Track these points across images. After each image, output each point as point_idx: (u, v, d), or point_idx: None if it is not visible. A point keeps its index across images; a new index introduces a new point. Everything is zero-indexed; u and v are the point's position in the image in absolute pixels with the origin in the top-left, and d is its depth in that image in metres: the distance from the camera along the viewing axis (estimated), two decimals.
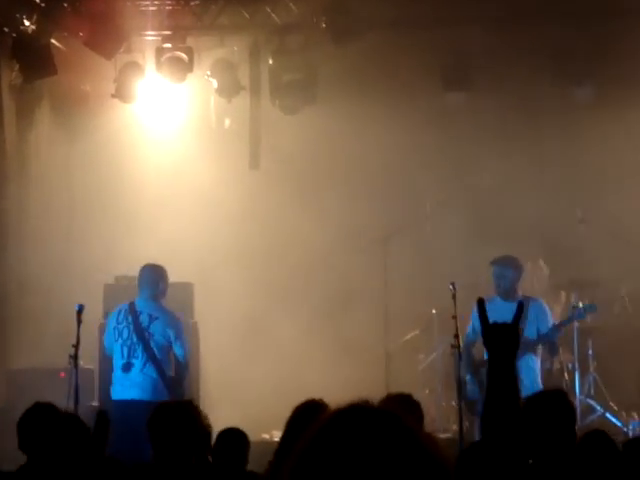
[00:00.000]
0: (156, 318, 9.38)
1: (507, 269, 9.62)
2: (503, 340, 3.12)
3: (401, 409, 2.19)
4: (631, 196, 12.47)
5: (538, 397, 5.00)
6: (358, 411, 2.12)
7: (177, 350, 9.39)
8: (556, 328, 9.55)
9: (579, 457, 4.78)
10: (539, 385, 9.47)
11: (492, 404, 3.10)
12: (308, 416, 5.40)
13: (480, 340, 3.33)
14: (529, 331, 9.26)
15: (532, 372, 9.43)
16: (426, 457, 2.06)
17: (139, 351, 9.26)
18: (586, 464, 4.70)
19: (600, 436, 5.03)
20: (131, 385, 9.23)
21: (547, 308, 9.79)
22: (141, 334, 9.29)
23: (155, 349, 9.27)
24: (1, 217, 11.35)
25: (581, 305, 9.99)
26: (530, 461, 4.66)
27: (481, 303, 3.30)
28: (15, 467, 5.83)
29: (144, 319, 9.37)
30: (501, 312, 8.76)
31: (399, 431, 2.08)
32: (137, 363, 9.25)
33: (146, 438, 5.50)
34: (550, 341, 9.58)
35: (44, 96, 12.66)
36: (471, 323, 9.43)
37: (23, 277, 11.84)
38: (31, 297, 11.70)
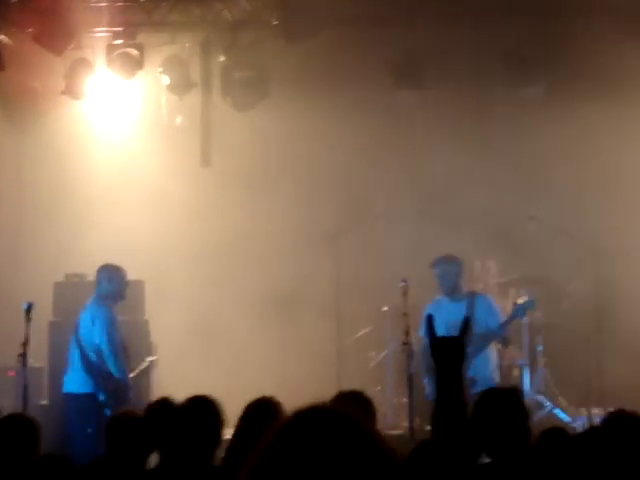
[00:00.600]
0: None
1: (447, 266, 9.69)
2: (450, 353, 3.28)
3: (353, 406, 2.24)
4: (581, 193, 12.59)
5: (490, 394, 5.03)
6: (317, 413, 2.16)
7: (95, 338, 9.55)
8: (501, 326, 9.63)
9: (536, 455, 4.82)
10: (494, 380, 9.53)
11: (441, 413, 3.26)
12: (260, 413, 5.40)
13: None
14: (478, 327, 9.29)
15: (486, 367, 9.47)
16: (382, 459, 2.12)
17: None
18: (544, 462, 4.73)
19: (558, 433, 5.07)
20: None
21: (493, 302, 9.87)
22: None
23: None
24: None
25: (520, 302, 10.00)
26: (486, 460, 4.69)
27: (429, 319, 3.43)
28: None
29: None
30: (449, 312, 8.80)
31: (356, 434, 2.13)
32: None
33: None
34: (499, 336, 9.69)
35: None
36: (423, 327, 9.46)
37: None
38: None
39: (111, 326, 9.52)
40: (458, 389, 3.24)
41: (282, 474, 2.08)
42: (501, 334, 9.65)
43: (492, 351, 9.70)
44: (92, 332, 9.46)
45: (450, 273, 9.65)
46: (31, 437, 5.92)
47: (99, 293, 9.69)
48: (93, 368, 9.41)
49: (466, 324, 3.43)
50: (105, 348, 9.43)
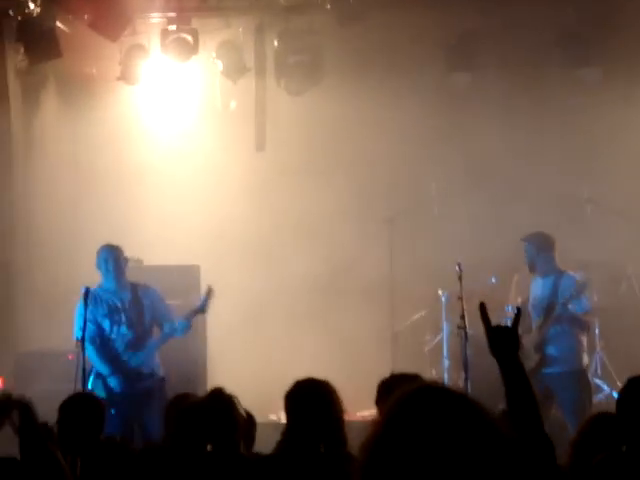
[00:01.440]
0: None
1: (526, 245, 9.63)
2: (504, 342, 3.30)
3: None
4: (638, 175, 12.45)
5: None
6: (429, 391, 2.25)
7: None
8: (562, 305, 9.36)
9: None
10: (576, 362, 9.34)
11: (513, 406, 3.24)
12: (312, 397, 5.42)
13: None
14: (560, 306, 9.25)
15: (565, 347, 9.30)
16: (494, 431, 2.21)
17: None
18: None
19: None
20: None
21: (576, 283, 9.54)
22: None
23: None
24: (8, 199, 11.34)
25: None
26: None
27: (483, 308, 3.43)
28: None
29: None
30: (534, 289, 8.81)
31: (469, 409, 2.23)
32: None
33: None
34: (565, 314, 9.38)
35: (49, 79, 12.66)
36: None
37: (31, 260, 11.85)
38: (39, 281, 11.73)
39: (79, 322, 8.83)
40: (522, 375, 3.25)
41: (403, 452, 2.15)
42: (561, 312, 9.38)
43: (576, 332, 9.43)
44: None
45: (527, 252, 9.62)
46: (98, 416, 6.01)
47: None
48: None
49: (518, 314, 3.47)
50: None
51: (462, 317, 8.95)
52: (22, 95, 12.11)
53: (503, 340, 3.29)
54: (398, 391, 2.27)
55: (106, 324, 9.07)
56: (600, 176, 12.47)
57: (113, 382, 8.92)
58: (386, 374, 6.14)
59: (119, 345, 9.06)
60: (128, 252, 11.59)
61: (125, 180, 12.97)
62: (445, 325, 11.87)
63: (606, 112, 12.32)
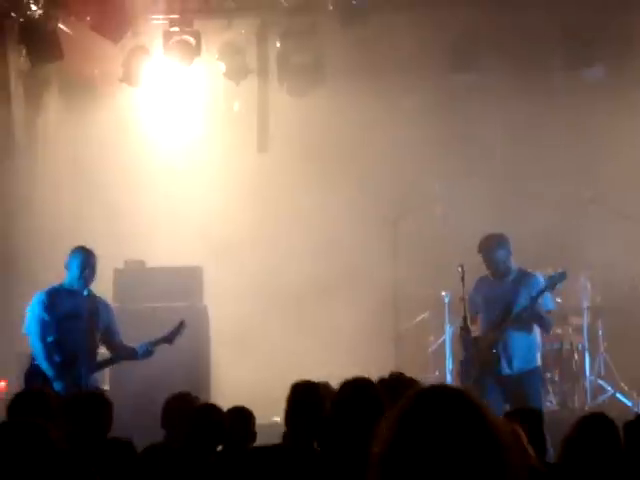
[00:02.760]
0: None
1: (499, 252, 9.36)
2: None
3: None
4: None
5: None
6: (437, 392, 2.39)
7: None
8: (532, 299, 9.21)
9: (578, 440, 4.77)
10: (533, 361, 9.23)
11: None
12: (308, 397, 5.41)
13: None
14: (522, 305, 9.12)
15: (523, 347, 9.16)
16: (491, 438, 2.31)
17: None
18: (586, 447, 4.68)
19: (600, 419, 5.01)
20: None
21: (540, 282, 9.42)
22: None
23: None
24: (9, 201, 11.34)
25: (551, 273, 9.60)
26: None
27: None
28: None
29: None
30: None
31: (470, 409, 2.35)
32: None
33: None
34: (532, 314, 9.24)
35: (52, 80, 12.67)
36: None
37: (33, 262, 11.83)
38: (42, 283, 11.69)
39: (32, 316, 8.77)
40: None
41: (416, 449, 2.28)
42: (530, 309, 9.17)
43: (534, 331, 9.29)
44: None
45: (499, 257, 9.37)
46: (105, 414, 6.01)
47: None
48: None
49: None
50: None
51: (464, 318, 8.94)
52: (24, 97, 12.12)
53: None
54: (411, 390, 2.40)
55: (64, 327, 8.73)
56: (604, 176, 12.45)
57: (58, 386, 8.52)
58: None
59: (70, 350, 8.68)
60: (130, 253, 11.64)
61: (127, 181, 12.96)
62: (448, 327, 11.87)
63: (609, 111, 12.30)
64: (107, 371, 11.20)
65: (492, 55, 12.26)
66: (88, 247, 9.05)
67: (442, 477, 2.24)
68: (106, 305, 9.14)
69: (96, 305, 8.90)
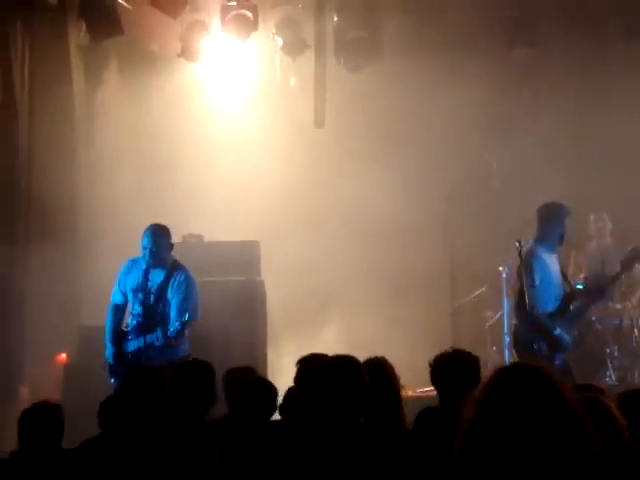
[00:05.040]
0: None
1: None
2: None
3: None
4: None
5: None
6: (518, 369, 2.84)
7: None
8: (612, 279, 9.35)
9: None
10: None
11: None
12: (371, 373, 5.44)
13: None
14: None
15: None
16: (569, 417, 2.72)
17: None
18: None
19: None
20: None
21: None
22: None
23: None
24: (71, 175, 11.47)
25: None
26: None
27: None
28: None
29: None
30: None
31: (545, 383, 2.76)
32: None
33: None
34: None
35: (111, 56, 12.74)
36: None
37: (95, 233, 11.94)
38: (102, 256, 11.84)
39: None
40: None
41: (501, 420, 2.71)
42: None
43: None
44: None
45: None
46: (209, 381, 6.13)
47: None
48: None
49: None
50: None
51: (521, 292, 8.90)
52: (84, 72, 12.21)
53: None
54: (497, 367, 2.87)
55: (129, 297, 9.05)
56: None
57: (108, 351, 8.92)
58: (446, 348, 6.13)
59: (130, 321, 9.00)
60: (189, 227, 11.71)
61: (186, 156, 13.04)
62: (506, 301, 11.81)
63: None
64: None
65: (552, 29, 12.13)
66: (159, 224, 9.21)
67: (521, 442, 2.65)
68: (182, 276, 9.07)
69: (172, 275, 9.00)
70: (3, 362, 10.43)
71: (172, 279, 8.95)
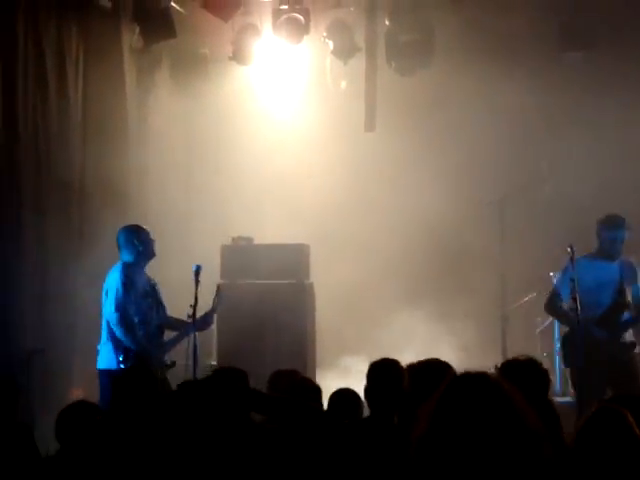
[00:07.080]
0: None
1: (625, 231, 9.50)
2: None
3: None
4: None
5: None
6: (469, 379, 2.80)
7: None
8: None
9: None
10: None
11: None
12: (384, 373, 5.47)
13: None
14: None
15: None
16: (518, 423, 2.67)
17: None
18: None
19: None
20: None
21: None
22: None
23: None
24: (122, 177, 11.53)
25: None
26: None
27: None
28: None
29: None
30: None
31: (498, 398, 2.73)
32: None
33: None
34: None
35: (163, 59, 12.83)
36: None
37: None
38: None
39: (122, 293, 8.71)
40: None
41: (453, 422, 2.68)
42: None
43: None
44: (105, 302, 8.80)
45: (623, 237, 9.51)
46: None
47: (122, 258, 8.95)
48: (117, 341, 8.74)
49: None
50: (111, 318, 8.70)
51: (573, 299, 8.81)
52: (137, 74, 12.29)
53: None
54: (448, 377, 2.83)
55: (145, 304, 8.90)
56: None
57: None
58: (496, 355, 6.09)
59: (152, 329, 8.89)
60: (239, 230, 11.76)
61: (236, 159, 13.09)
62: None
63: None
64: (215, 347, 11.39)
65: (605, 32, 12.02)
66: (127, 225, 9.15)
67: (472, 451, 2.61)
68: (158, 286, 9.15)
69: (153, 284, 9.04)
70: (56, 366, 10.43)
71: None
